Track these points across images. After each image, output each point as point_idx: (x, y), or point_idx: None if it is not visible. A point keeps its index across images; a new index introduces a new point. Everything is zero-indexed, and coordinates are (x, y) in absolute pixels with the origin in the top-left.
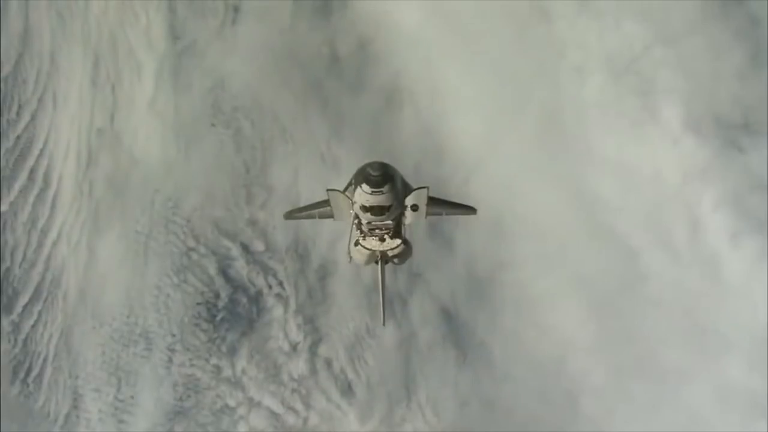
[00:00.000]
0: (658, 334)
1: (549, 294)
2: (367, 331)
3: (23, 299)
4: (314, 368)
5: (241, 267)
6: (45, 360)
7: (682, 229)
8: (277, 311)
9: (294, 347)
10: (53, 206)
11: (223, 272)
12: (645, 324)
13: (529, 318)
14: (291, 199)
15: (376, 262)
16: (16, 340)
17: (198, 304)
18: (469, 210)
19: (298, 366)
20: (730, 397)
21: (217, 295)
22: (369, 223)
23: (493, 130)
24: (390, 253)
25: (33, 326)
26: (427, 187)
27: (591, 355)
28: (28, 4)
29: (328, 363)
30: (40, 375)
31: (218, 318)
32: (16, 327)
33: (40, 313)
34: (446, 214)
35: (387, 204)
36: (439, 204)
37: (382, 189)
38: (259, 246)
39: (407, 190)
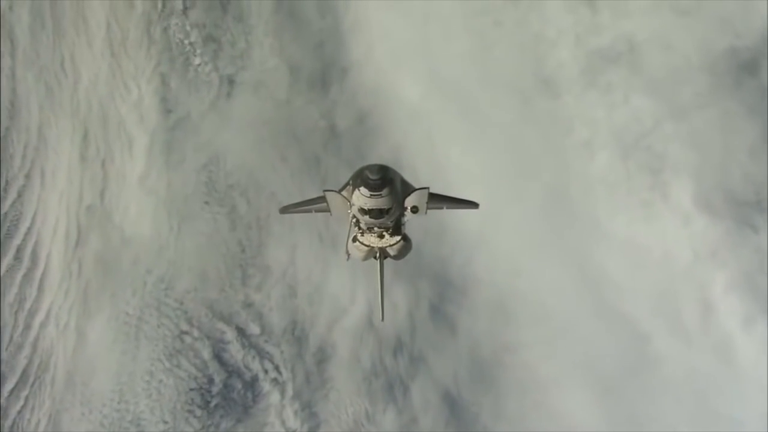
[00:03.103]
0: (669, 420)
1: (555, 378)
2: (366, 416)
3: (10, 383)
4: None
5: (236, 351)
6: None
7: (693, 311)
8: (274, 397)
9: None
10: (41, 287)
11: (218, 356)
12: (655, 409)
13: (535, 403)
14: (288, 279)
15: (375, 258)
16: (2, 426)
17: (191, 389)
18: (471, 204)
19: None
20: None
21: (211, 381)
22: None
23: (496, 207)
24: (389, 250)
25: (20, 412)
26: (428, 188)
27: None
28: (15, 75)
29: None
30: None
31: (212, 404)
32: (3, 412)
33: (27, 398)
34: (447, 208)
35: (386, 207)
36: (440, 199)
37: (381, 192)
38: (254, 329)
39: (407, 190)
